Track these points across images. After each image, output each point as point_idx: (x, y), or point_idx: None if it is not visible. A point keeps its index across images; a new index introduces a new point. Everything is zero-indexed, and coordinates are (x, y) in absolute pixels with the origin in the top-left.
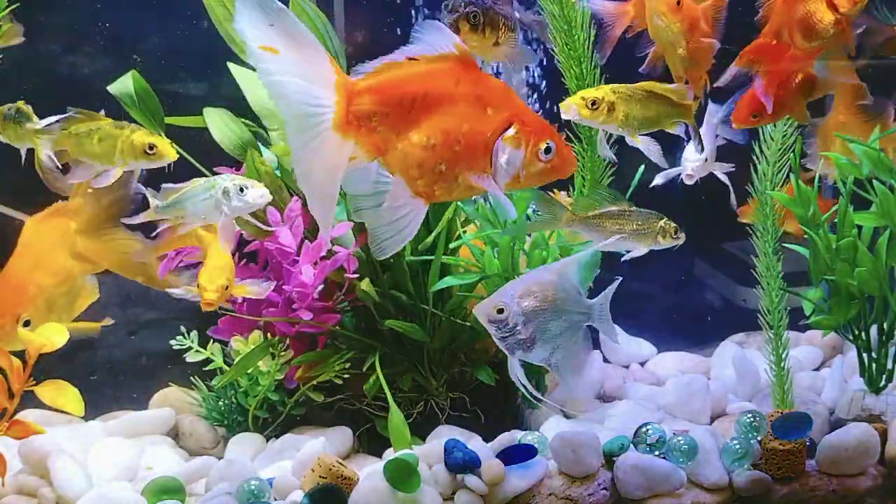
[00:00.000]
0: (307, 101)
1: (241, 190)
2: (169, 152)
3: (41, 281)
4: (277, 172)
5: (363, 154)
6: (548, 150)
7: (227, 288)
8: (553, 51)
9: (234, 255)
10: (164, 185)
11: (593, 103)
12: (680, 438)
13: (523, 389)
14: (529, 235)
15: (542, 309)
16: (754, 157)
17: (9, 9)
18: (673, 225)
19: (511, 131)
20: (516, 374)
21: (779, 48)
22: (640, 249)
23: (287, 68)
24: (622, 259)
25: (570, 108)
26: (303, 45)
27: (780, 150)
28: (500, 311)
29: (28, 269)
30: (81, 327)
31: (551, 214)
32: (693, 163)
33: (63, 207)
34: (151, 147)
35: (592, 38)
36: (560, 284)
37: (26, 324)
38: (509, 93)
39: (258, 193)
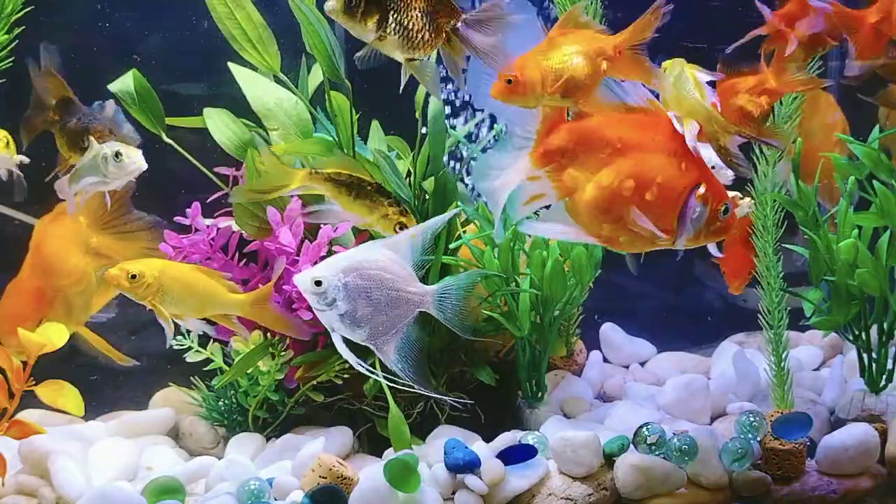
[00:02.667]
0: (519, 123)
1: (117, 156)
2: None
3: (57, 283)
4: None
5: (553, 192)
6: (725, 211)
7: (134, 277)
8: None
9: (233, 255)
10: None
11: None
12: (680, 438)
13: (356, 366)
14: (530, 235)
15: (367, 287)
16: (754, 157)
17: (23, 11)
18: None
19: (701, 189)
20: (342, 349)
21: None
22: None
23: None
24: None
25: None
26: None
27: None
28: (318, 283)
29: (43, 273)
30: (114, 355)
31: None
32: None
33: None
34: (402, 226)
35: None
36: (390, 265)
37: None
38: (698, 154)
39: (133, 160)
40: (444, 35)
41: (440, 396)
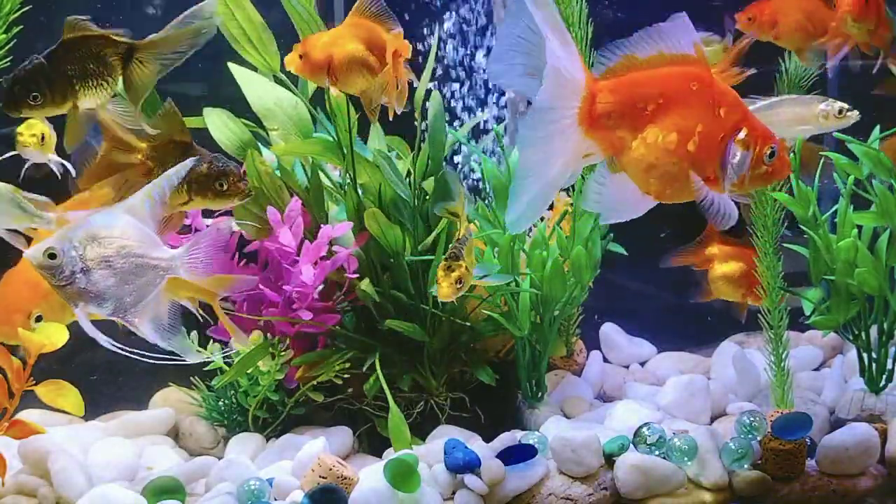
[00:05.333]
0: (557, 92)
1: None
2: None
3: None
4: (277, 172)
5: (599, 152)
6: (772, 154)
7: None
8: None
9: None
10: None
11: None
12: (680, 438)
13: (105, 343)
14: (529, 235)
15: (107, 256)
16: None
17: (21, 11)
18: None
19: (742, 134)
20: (87, 326)
21: None
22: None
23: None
24: None
25: None
26: (562, 39)
27: None
28: (53, 256)
29: None
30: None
31: None
32: None
33: (83, 199)
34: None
35: (590, 37)
36: (131, 231)
37: (38, 319)
38: (738, 97)
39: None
40: (119, 63)
41: (200, 358)
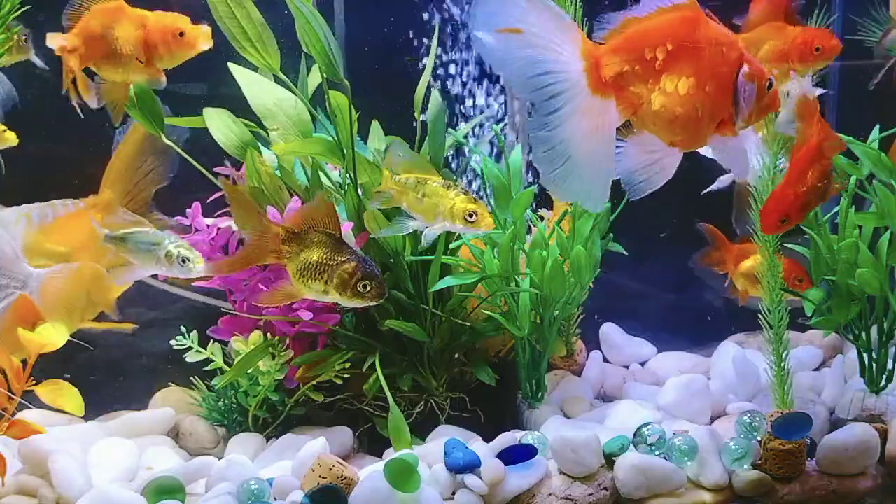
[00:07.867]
0: (556, 73)
1: (184, 261)
2: (488, 222)
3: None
4: (277, 172)
5: (618, 113)
6: (770, 85)
7: None
8: None
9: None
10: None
11: None
12: (680, 438)
13: None
14: (529, 233)
15: None
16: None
17: (20, 10)
18: None
19: (746, 68)
20: None
21: None
22: None
23: (531, 44)
24: None
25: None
26: (545, 18)
27: (780, 150)
28: None
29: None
30: (113, 327)
31: None
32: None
33: (90, 202)
34: (472, 214)
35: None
36: None
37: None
38: (731, 34)
39: (198, 268)
40: None
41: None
